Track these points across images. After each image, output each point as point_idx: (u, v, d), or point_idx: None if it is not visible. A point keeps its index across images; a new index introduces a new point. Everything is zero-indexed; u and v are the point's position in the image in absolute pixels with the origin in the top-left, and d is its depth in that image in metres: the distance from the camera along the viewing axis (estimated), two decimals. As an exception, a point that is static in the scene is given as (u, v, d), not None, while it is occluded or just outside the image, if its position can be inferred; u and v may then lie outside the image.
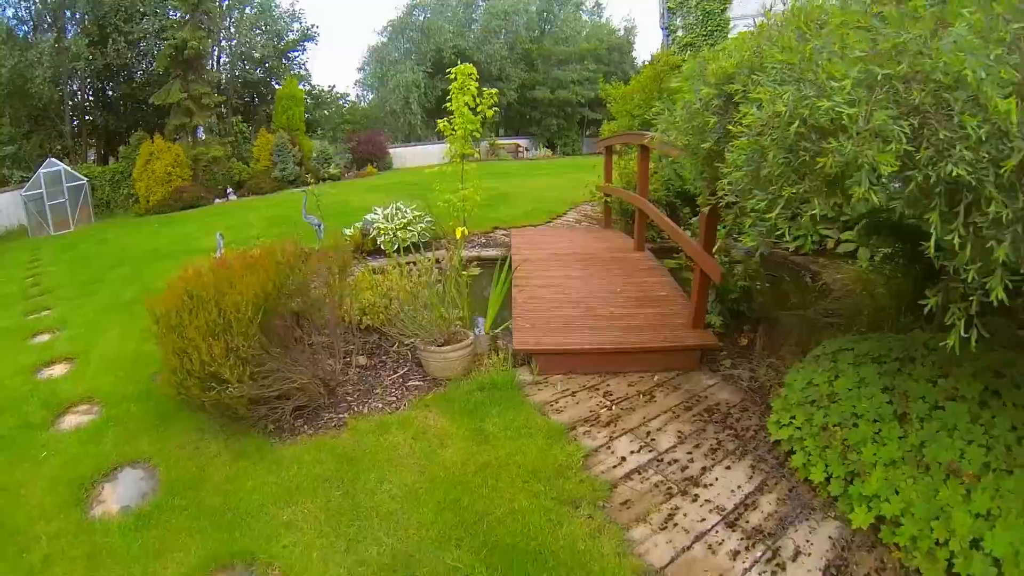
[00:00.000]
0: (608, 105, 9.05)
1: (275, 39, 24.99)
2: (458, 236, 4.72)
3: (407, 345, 3.86)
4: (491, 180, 15.60)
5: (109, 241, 13.12)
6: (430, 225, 7.56)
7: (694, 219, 7.22)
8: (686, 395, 3.61)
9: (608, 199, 6.92)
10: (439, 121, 7.01)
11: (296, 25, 25.75)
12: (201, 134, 21.34)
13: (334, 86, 26.60)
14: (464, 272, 4.90)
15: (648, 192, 5.38)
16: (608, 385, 3.65)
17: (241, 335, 3.00)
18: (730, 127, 2.18)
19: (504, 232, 8.12)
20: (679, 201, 7.65)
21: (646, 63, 9.14)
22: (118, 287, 8.01)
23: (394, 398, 3.59)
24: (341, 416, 3.44)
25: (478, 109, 7.01)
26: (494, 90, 6.89)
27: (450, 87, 6.99)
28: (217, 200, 17.78)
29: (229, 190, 18.21)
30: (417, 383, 3.75)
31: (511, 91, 28.74)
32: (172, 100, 17.81)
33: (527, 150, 28.83)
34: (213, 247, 10.13)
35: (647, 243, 6.92)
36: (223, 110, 23.90)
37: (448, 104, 7.04)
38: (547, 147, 29.97)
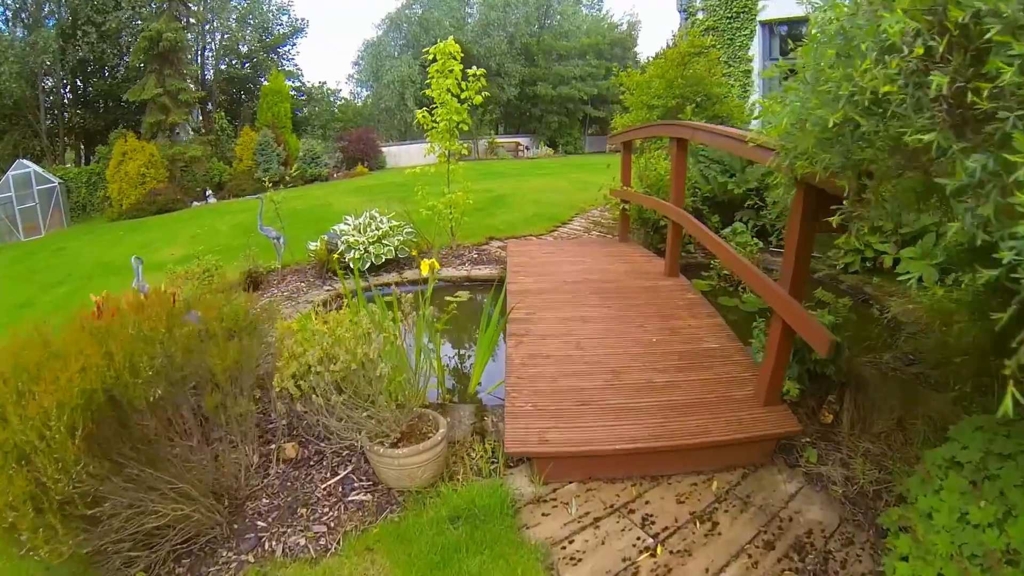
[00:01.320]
0: (622, 95, 7.83)
1: (263, 33, 23.77)
2: (425, 272, 3.48)
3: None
4: (488, 181, 14.38)
5: (67, 251, 11.93)
6: (411, 237, 6.35)
7: (727, 230, 6.00)
8: (762, 517, 2.40)
9: (626, 206, 5.70)
10: (417, 112, 5.80)
11: (285, 18, 24.55)
12: (188, 132, 20.19)
13: (324, 82, 25.40)
14: (441, 316, 3.68)
15: (684, 199, 4.15)
16: (647, 503, 2.42)
17: (54, 462, 1.79)
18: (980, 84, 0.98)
19: (500, 244, 6.90)
20: (707, 208, 6.44)
21: (662, 50, 7.90)
22: (47, 312, 6.81)
23: (325, 527, 2.37)
24: (242, 559, 2.24)
25: (464, 96, 5.82)
26: (481, 71, 5.68)
27: (428, 70, 5.80)
28: (195, 203, 16.59)
29: (208, 192, 17.02)
30: (362, 496, 2.53)
31: (511, 87, 27.49)
32: (146, 96, 16.61)
33: (527, 149, 27.59)
34: (169, 260, 8.94)
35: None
36: (210, 107, 22.76)
37: (428, 91, 5.84)
38: (548, 145, 28.71)
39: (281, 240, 6.38)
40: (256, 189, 17.24)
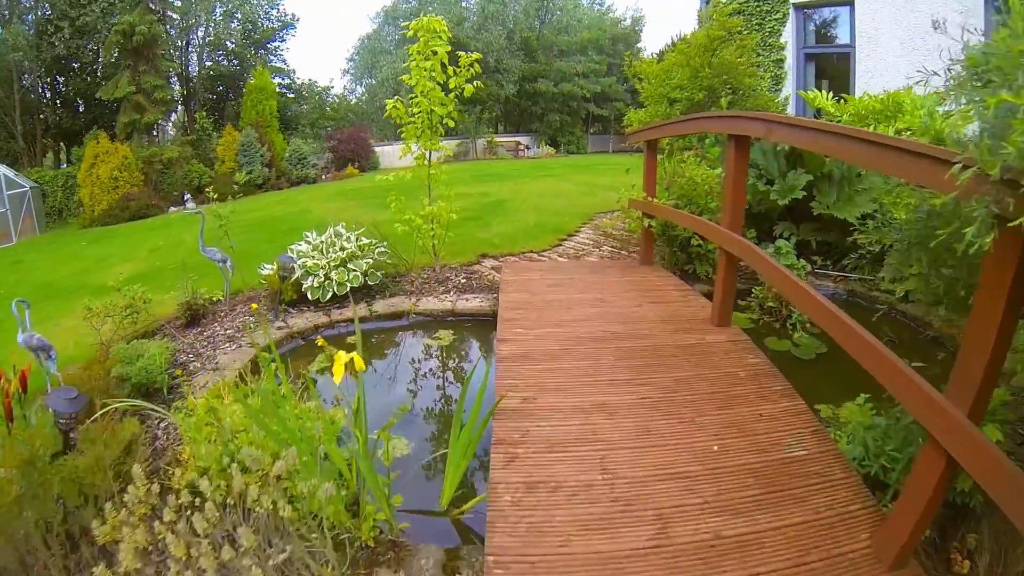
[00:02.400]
0: (639, 86, 6.69)
1: (251, 28, 22.66)
2: (337, 374, 2.17)
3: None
4: (485, 184, 13.26)
5: (23, 264, 10.83)
6: (384, 259, 5.23)
7: (769, 249, 4.88)
8: None
9: (650, 222, 4.56)
10: (388, 102, 4.68)
11: (274, 12, 23.44)
12: (169, 133, 19.11)
13: (315, 81, 24.30)
14: (397, 411, 2.57)
15: (742, 220, 2.97)
16: None
17: None
18: None
19: (495, 263, 5.78)
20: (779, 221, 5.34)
21: (685, 34, 6.76)
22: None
23: None
24: None
25: (451, 84, 4.70)
26: (475, 55, 4.57)
27: (408, 51, 4.68)
28: (172, 208, 15.49)
29: (187, 196, 15.93)
30: None
31: (510, 84, 26.37)
32: (119, 95, 15.53)
33: (528, 148, 26.48)
34: (116, 281, 7.84)
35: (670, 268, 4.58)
36: (194, 105, 21.69)
37: (406, 78, 4.73)
38: (550, 145, 27.59)
39: (228, 264, 5.25)
40: (238, 193, 16.14)
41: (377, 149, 21.35)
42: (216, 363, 4.29)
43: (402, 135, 4.83)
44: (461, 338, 4.36)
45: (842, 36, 7.97)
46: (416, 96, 4.64)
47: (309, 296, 4.84)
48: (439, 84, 4.62)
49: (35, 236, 16.39)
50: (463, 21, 25.22)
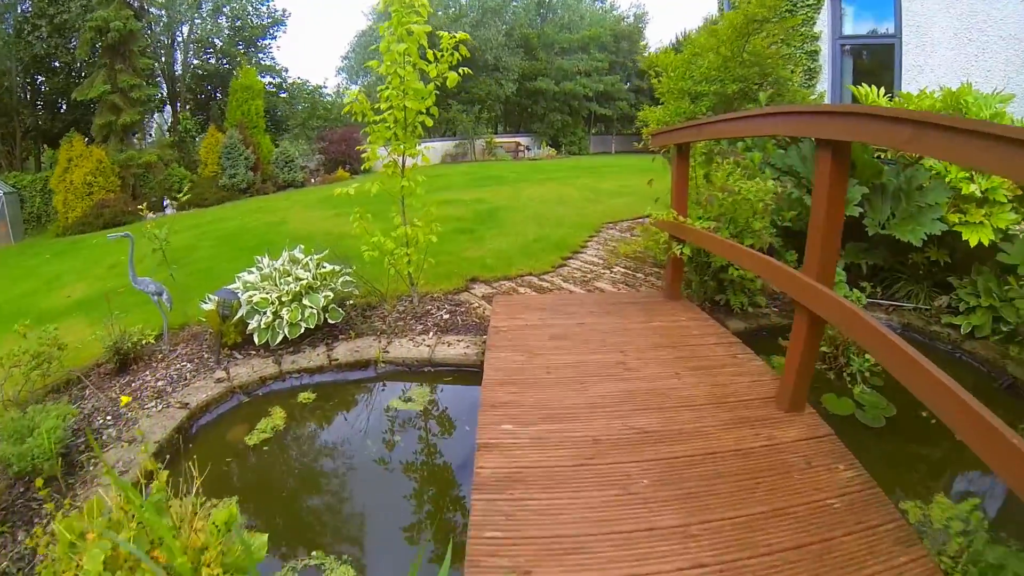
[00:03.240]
0: (655, 81, 5.73)
1: (240, 24, 21.74)
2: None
3: None
4: (481, 188, 12.33)
5: (-26, 279, 9.91)
6: (350, 289, 4.30)
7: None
8: None
9: (681, 248, 3.57)
10: (350, 92, 3.75)
11: (264, 8, 22.51)
12: (151, 135, 18.22)
13: (307, 80, 23.35)
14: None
15: (836, 263, 2.00)
16: None
17: None
18: None
19: (486, 290, 4.84)
20: (780, 240, 4.40)
21: (714, 16, 5.77)
22: None
23: None
24: None
25: (431, 72, 3.77)
26: (461, 35, 3.65)
27: (379, 30, 3.77)
28: (150, 215, 14.57)
29: (166, 202, 14.99)
30: None
31: (509, 82, 25.43)
32: (94, 95, 14.61)
33: (528, 149, 25.56)
34: (58, 307, 6.92)
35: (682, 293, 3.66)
36: (181, 106, 20.79)
37: (375, 63, 3.80)
38: (551, 145, 26.64)
39: (165, 296, 4.32)
40: (221, 198, 15.22)
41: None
42: (136, 429, 3.39)
43: (368, 137, 3.89)
44: (439, 402, 3.41)
45: (885, 25, 7.02)
46: (387, 87, 3.70)
47: (256, 339, 3.91)
48: (416, 69, 3.68)
49: (8, 246, 15.49)
50: (460, 17, 24.30)
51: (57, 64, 19.29)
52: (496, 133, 28.07)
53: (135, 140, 15.82)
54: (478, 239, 6.72)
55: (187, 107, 20.52)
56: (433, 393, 3.43)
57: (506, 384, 2.62)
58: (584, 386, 2.56)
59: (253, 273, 4.22)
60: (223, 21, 21.30)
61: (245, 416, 3.57)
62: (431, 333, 3.97)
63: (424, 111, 3.76)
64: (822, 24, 7.01)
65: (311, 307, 3.88)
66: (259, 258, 4.48)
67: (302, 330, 3.88)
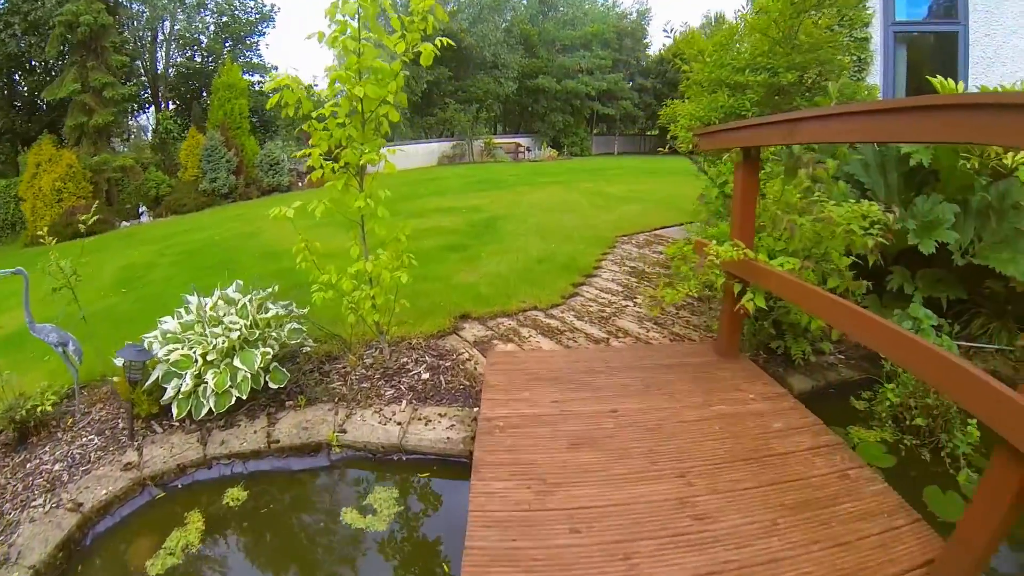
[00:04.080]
0: (686, 69, 4.72)
1: (225, 20, 20.75)
2: None
3: None
4: (477, 194, 11.26)
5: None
6: (300, 339, 3.30)
7: (895, 315, 2.97)
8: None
9: (751, 297, 2.51)
10: (280, 79, 2.73)
11: (251, 3, 21.52)
12: (129, 137, 17.22)
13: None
14: None
15: None
16: None
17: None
18: None
19: (479, 332, 3.85)
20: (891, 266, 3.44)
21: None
22: None
23: None
24: None
25: (398, 45, 2.76)
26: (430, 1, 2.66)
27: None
28: (124, 223, 13.60)
29: (142, 209, 14.04)
30: None
31: (509, 81, 24.43)
32: (63, 94, 13.64)
33: (528, 150, 24.56)
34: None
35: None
36: (164, 106, 19.81)
37: (320, 34, 2.78)
38: (552, 146, 25.64)
39: (72, 347, 3.34)
40: (201, 204, 14.23)
41: (363, 153, 19.41)
42: (14, 539, 2.45)
43: (313, 137, 2.89)
44: (410, 516, 2.40)
45: (946, 9, 6.04)
46: (334, 67, 2.70)
47: (174, 411, 2.92)
48: (379, 46, 2.70)
49: (-23, 254, 14.54)
50: (457, 13, 23.30)
51: (34, 63, 18.34)
52: (495, 133, 27.08)
53: (118, 143, 14.82)
54: (472, 258, 5.72)
55: (170, 107, 19.54)
56: (403, 500, 2.44)
57: (501, 566, 1.60)
58: (633, 566, 1.54)
59: (168, 323, 3.23)
60: (208, 17, 20.33)
61: (155, 522, 2.60)
62: (404, 401, 2.98)
63: (389, 99, 2.76)
64: (874, 5, 6.01)
65: (243, 369, 2.89)
66: (188, 297, 3.49)
67: (232, 400, 2.89)
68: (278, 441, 2.89)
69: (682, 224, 7.81)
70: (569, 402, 2.51)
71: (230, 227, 9.65)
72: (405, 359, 3.41)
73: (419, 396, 3.02)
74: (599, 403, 2.46)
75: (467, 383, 3.09)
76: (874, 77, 6.09)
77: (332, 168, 2.89)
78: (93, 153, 13.87)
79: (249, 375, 2.89)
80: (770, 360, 3.45)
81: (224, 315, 3.25)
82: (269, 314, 3.27)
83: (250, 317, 3.21)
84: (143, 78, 20.15)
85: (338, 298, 3.06)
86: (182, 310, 3.47)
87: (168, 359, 2.98)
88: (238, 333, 3.07)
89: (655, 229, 7.32)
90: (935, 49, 6.38)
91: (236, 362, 2.98)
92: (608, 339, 3.63)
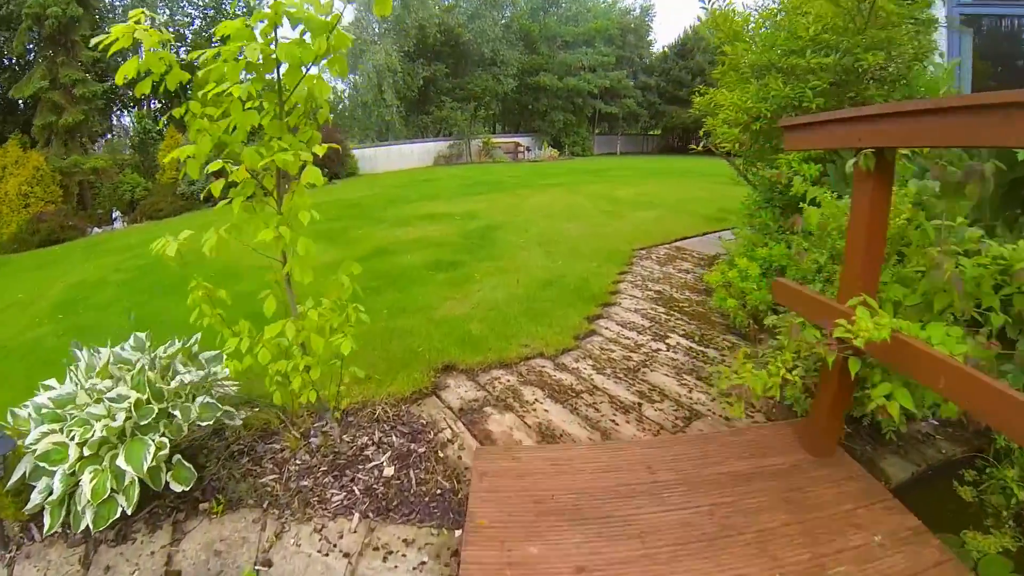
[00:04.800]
0: (729, 49, 3.79)
1: (212, 13, 19.82)
2: None
3: None
4: (474, 197, 10.27)
5: None
6: (216, 413, 2.37)
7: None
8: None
9: (874, 370, 1.62)
10: (122, 26, 1.80)
11: (239, -2, 20.56)
12: (109, 137, 16.31)
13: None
14: None
15: None
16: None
17: None
18: None
19: (467, 398, 2.94)
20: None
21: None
22: None
23: None
24: None
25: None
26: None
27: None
28: (96, 229, 12.70)
29: (115, 214, 13.13)
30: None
31: (508, 78, 23.51)
32: (30, 91, 12.73)
33: (528, 150, 23.65)
34: None
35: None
36: (148, 105, 18.90)
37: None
38: (553, 146, 24.72)
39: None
40: (178, 208, 13.30)
41: (356, 153, 18.52)
42: None
43: (194, 145, 1.98)
44: None
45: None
46: (225, 27, 1.78)
47: (46, 522, 2.03)
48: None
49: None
50: (454, 8, 22.37)
51: (12, 60, 17.44)
52: (494, 133, 26.17)
53: (103, 143, 13.91)
54: (462, 280, 4.80)
55: (154, 106, 18.62)
56: None
57: None
58: None
59: (40, 398, 2.32)
60: (192, 10, 19.40)
61: None
62: (357, 514, 2.06)
63: (312, 74, 1.83)
64: (938, -20, 5.08)
65: (128, 473, 1.98)
66: (77, 352, 2.57)
67: (118, 512, 1.99)
68: (179, 573, 1.99)
69: (704, 234, 6.90)
70: (604, 565, 1.58)
71: (198, 237, 8.73)
72: (365, 439, 2.49)
73: (378, 505, 2.10)
74: (651, 563, 1.53)
75: (447, 484, 2.18)
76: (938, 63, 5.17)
77: (234, 177, 1.97)
78: (64, 154, 12.96)
79: (135, 476, 1.98)
80: (855, 433, 2.55)
81: (114, 385, 2.34)
82: (175, 382, 2.35)
83: (147, 388, 2.30)
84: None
85: (261, 370, 2.14)
86: (72, 367, 2.56)
87: (35, 449, 2.07)
88: (124, 414, 2.16)
89: (675, 240, 6.40)
90: (1006, 36, 5.48)
91: (120, 460, 2.07)
92: (640, 405, 2.71)
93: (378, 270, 5.18)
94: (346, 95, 24.51)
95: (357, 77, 23.08)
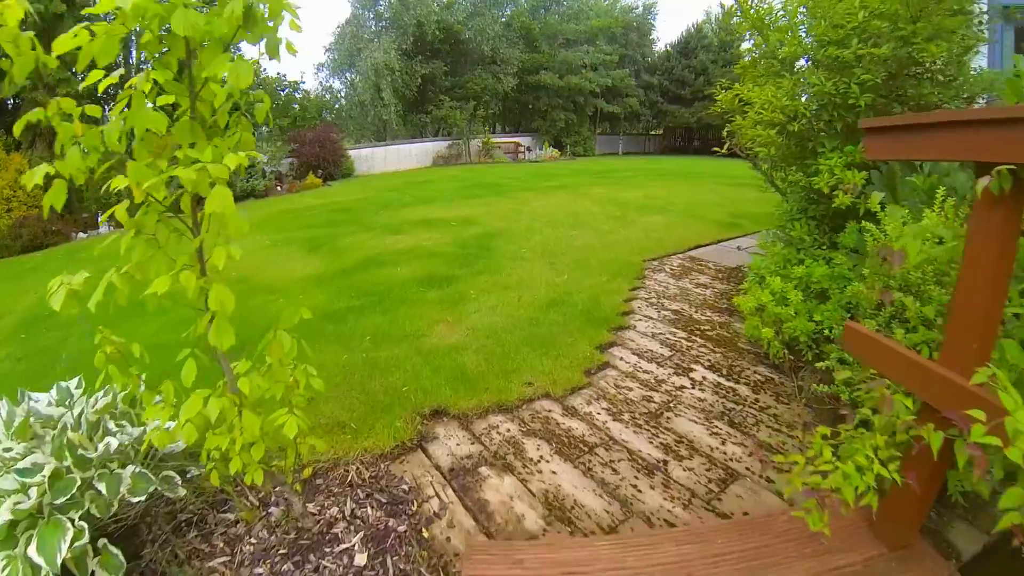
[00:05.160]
0: (759, 38, 3.35)
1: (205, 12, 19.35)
2: None
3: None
4: (472, 201, 9.76)
5: None
6: (149, 486, 1.91)
7: None
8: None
9: (978, 447, 1.25)
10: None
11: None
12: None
13: (285, 74, 20.86)
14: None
15: None
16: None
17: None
18: None
19: (458, 454, 2.50)
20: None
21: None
22: None
23: None
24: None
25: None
26: None
27: None
28: (80, 235, 12.26)
29: (101, 219, 12.66)
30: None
31: (508, 77, 23.05)
32: (10, 91, 12.24)
33: (528, 150, 23.21)
34: None
35: None
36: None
37: None
38: (554, 146, 24.28)
39: None
40: (167, 212, 12.84)
41: (352, 153, 18.06)
42: None
43: (57, 146, 1.52)
44: None
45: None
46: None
47: None
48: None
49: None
50: (453, 5, 21.90)
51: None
52: (493, 132, 25.74)
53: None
54: (457, 299, 4.35)
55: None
56: None
57: None
58: None
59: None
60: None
61: None
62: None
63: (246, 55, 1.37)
64: (981, -34, 4.62)
65: (42, 565, 1.53)
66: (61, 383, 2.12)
67: None
68: None
69: (719, 241, 6.45)
70: None
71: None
72: (335, 510, 2.04)
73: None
74: None
75: (432, 582, 1.73)
76: (979, 60, 4.71)
77: (137, 199, 1.52)
78: (48, 156, 12.48)
79: (53, 573, 1.54)
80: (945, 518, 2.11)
81: (30, 450, 1.90)
82: (102, 446, 1.91)
83: (70, 454, 1.85)
84: (120, 71, 18.81)
85: (199, 439, 1.69)
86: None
87: None
88: (38, 490, 1.72)
89: (688, 249, 5.96)
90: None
91: (31, 549, 1.63)
92: (666, 464, 2.27)
93: (363, 286, 4.73)
94: (343, 94, 24.06)
95: (354, 75, 22.63)
